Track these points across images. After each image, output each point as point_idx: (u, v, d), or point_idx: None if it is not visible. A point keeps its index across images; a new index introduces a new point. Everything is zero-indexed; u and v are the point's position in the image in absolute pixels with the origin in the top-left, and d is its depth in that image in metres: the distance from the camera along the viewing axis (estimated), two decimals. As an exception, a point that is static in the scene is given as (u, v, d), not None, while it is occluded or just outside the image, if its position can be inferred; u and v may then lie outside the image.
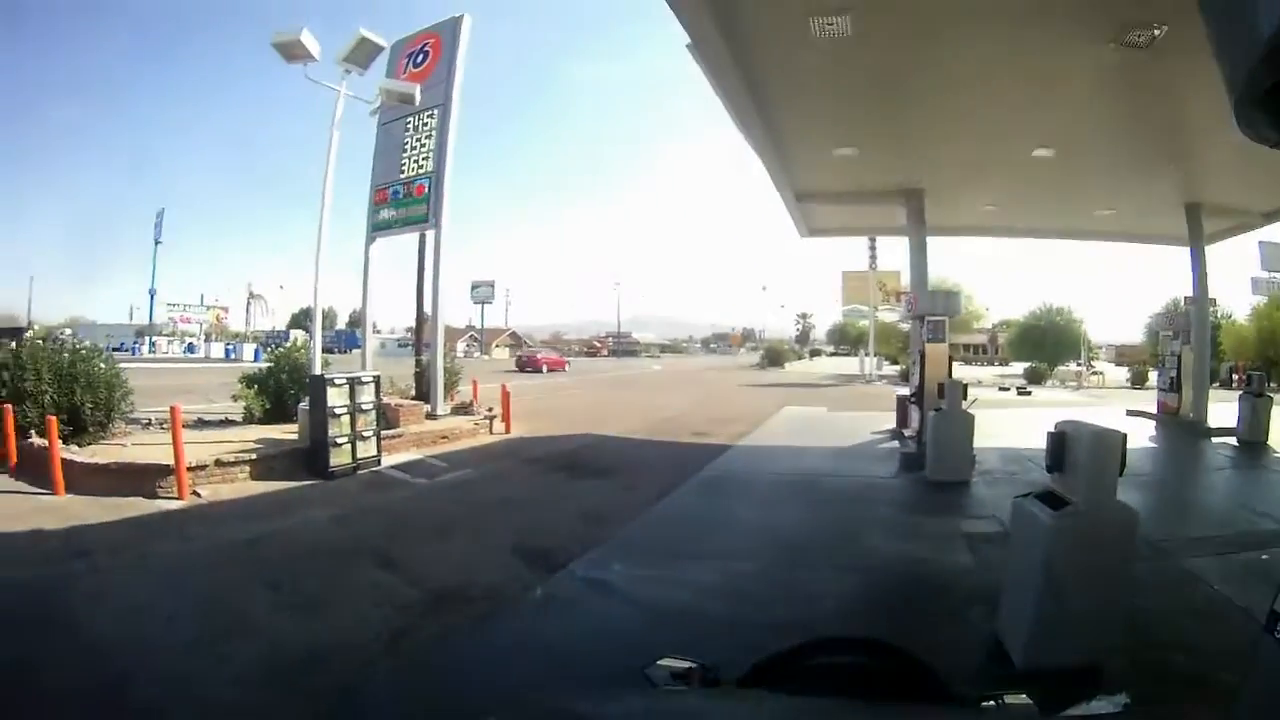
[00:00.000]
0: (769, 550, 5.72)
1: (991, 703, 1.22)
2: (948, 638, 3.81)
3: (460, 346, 56.72)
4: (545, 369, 39.83)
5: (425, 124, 13.18)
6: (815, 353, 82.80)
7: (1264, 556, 5.18)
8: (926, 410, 9.11)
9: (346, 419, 8.96)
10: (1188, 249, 13.91)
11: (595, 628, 4.23)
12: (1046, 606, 3.20)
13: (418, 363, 14.18)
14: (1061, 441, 3.36)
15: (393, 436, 10.39)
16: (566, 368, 43.32)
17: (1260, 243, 14.62)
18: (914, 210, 12.09)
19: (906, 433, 11.06)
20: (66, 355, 9.23)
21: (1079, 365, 36.36)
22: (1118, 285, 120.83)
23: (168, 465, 7.57)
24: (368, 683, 3.56)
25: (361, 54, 9.98)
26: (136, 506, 7.09)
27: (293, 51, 9.07)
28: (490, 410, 13.28)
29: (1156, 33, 6.13)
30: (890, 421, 12.69)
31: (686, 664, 1.17)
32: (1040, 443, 3.56)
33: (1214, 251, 14.25)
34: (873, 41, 6.73)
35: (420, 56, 13.65)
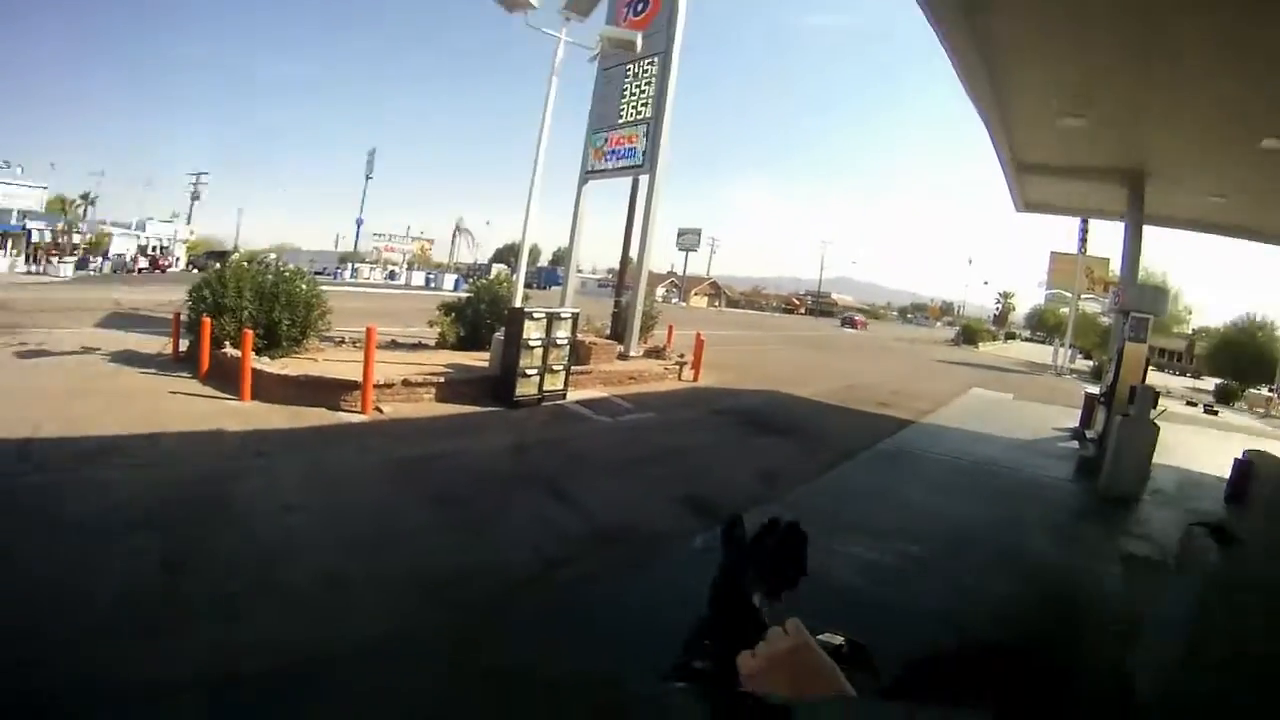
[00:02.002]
0: (929, 535, 5.52)
1: None
2: (1083, 658, 3.55)
3: (660, 291, 58.00)
4: (859, 327, 54.51)
5: (645, 71, 13.15)
6: (1011, 335, 77.10)
7: None
8: (1114, 414, 8.33)
9: (539, 351, 9.15)
10: None
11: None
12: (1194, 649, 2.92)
13: (616, 303, 14.62)
14: (1246, 472, 2.82)
15: (581, 372, 10.57)
16: (867, 328, 56.54)
17: None
18: (1134, 192, 11.14)
19: (1089, 434, 10.47)
20: (270, 276, 9.77)
21: (1271, 391, 29.93)
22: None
23: (354, 381, 7.80)
24: (512, 606, 3.58)
25: (582, 2, 9.95)
26: (318, 417, 7.36)
27: (513, 1, 9.09)
28: (681, 356, 13.36)
29: None
30: (1074, 419, 12.06)
31: (839, 640, 1.02)
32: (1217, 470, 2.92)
33: None
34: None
35: (640, 4, 13.67)
